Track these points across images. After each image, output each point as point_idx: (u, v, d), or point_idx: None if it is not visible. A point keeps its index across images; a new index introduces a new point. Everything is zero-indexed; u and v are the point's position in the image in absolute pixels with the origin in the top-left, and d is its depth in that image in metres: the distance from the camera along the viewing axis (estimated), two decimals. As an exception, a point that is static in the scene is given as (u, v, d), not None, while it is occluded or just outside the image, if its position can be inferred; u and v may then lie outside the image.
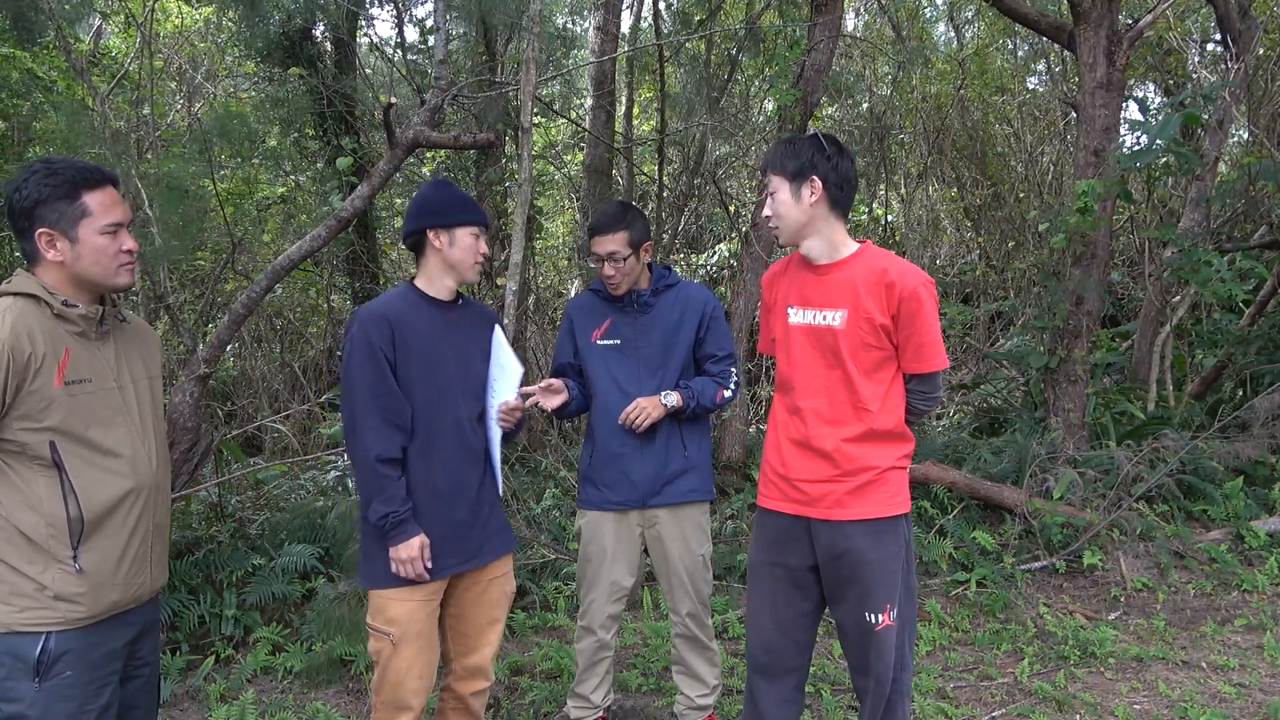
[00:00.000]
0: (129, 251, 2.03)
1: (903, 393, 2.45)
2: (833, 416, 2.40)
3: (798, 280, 2.50)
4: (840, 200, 2.42)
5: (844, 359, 2.38)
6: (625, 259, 2.96)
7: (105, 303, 2.08)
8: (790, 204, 2.40)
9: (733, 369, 3.11)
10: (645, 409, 2.93)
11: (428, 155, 8.70)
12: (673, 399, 2.97)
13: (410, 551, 2.41)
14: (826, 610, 2.57)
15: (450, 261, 2.56)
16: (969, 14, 10.90)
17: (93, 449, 1.98)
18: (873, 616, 2.38)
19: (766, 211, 2.47)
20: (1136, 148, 5.27)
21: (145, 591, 2.10)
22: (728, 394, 3.09)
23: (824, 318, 2.42)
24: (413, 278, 2.64)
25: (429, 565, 2.45)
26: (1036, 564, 4.80)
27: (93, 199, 1.98)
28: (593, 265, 3.05)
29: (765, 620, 2.55)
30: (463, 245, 2.55)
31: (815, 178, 2.37)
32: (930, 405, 2.51)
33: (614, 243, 2.95)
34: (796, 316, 2.48)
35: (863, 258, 2.42)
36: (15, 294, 1.96)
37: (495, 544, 2.65)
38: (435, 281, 2.59)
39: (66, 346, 1.96)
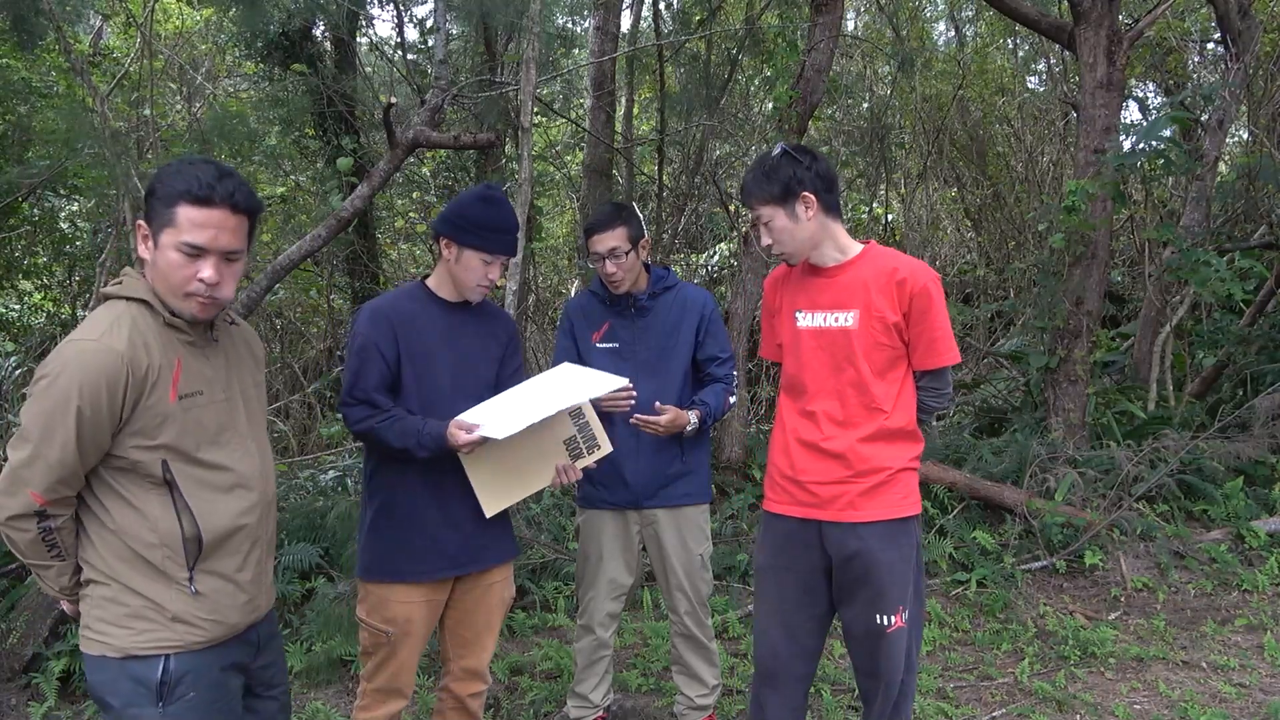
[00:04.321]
0: (204, 282, 1.81)
1: (914, 392, 2.44)
2: (845, 418, 2.39)
3: (805, 284, 2.48)
4: (832, 203, 2.41)
5: (857, 360, 2.36)
6: (626, 254, 2.96)
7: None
8: (790, 227, 2.38)
9: (734, 371, 3.12)
10: (659, 423, 2.88)
11: (428, 155, 8.70)
12: (694, 421, 2.95)
13: (456, 438, 2.34)
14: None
15: (453, 274, 2.54)
16: (969, 14, 10.90)
17: (206, 468, 1.87)
18: (884, 619, 2.36)
19: (766, 240, 2.43)
20: (1137, 148, 5.25)
21: (261, 613, 2.02)
22: (733, 399, 3.10)
23: (835, 319, 2.40)
24: (426, 276, 2.64)
25: (470, 430, 2.35)
26: (1036, 564, 4.80)
27: (187, 212, 1.79)
28: (592, 265, 3.04)
29: (774, 627, 2.52)
30: (467, 266, 2.48)
31: (805, 193, 2.35)
32: (941, 403, 2.50)
33: (614, 239, 2.95)
34: (806, 320, 2.46)
35: (870, 257, 2.41)
36: (127, 298, 1.83)
37: (497, 549, 2.62)
38: (443, 285, 2.58)
39: (178, 357, 1.84)
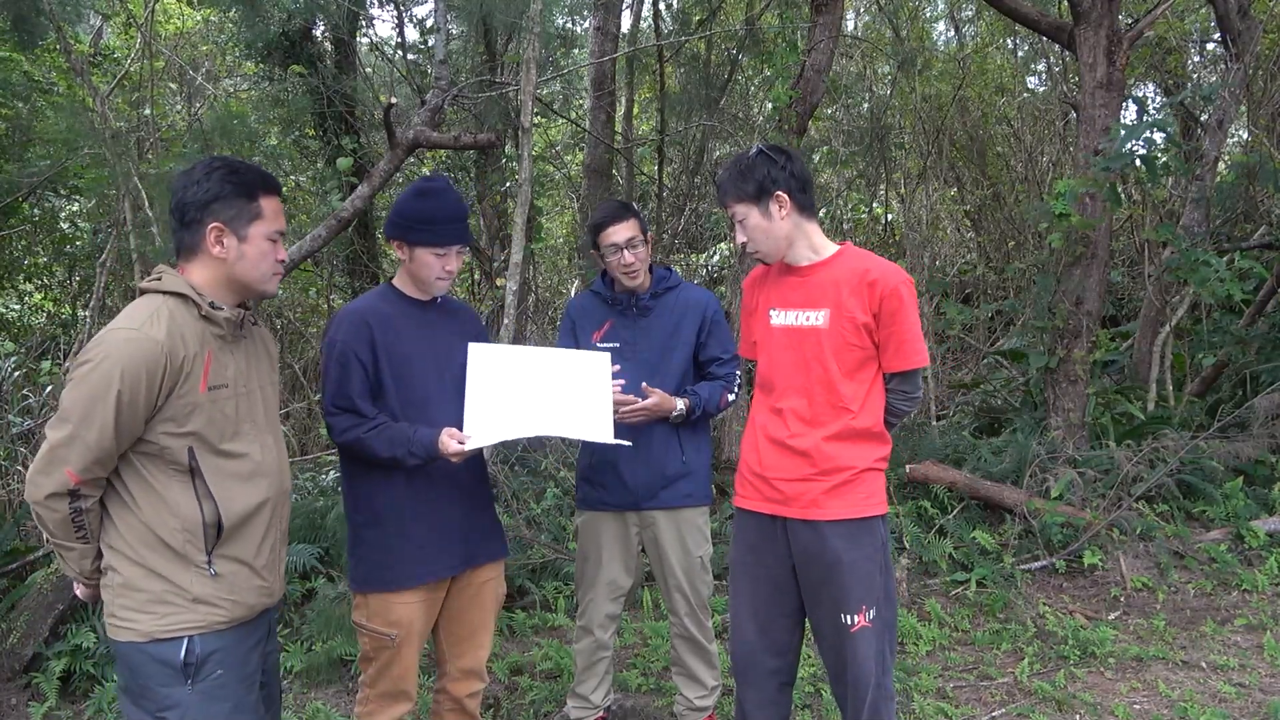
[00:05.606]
0: (281, 262, 2.06)
1: (883, 394, 2.46)
2: (813, 417, 2.41)
3: (780, 283, 2.51)
4: (806, 203, 2.44)
5: (825, 359, 2.39)
6: (642, 244, 2.97)
7: (245, 307, 2.07)
8: (764, 226, 2.42)
9: (736, 371, 3.12)
10: (647, 408, 2.85)
11: (428, 155, 8.70)
12: (680, 407, 2.93)
13: (447, 447, 2.35)
14: None
15: (411, 274, 2.53)
16: (969, 14, 10.89)
17: (227, 457, 1.96)
18: (848, 618, 2.37)
19: (741, 238, 2.47)
20: (1122, 150, 5.23)
21: (275, 599, 2.11)
22: (731, 397, 3.08)
23: (807, 318, 2.43)
24: (393, 277, 2.63)
25: (462, 441, 2.37)
26: (1036, 564, 4.80)
27: (267, 204, 2.01)
28: (607, 259, 3.00)
29: (746, 622, 2.54)
30: (422, 262, 2.47)
31: (779, 192, 2.38)
32: (911, 406, 2.52)
33: (630, 229, 2.95)
34: (779, 318, 2.49)
35: (844, 258, 2.45)
36: (166, 293, 1.93)
37: (489, 547, 2.64)
38: (408, 285, 2.57)
39: (209, 350, 1.94)
